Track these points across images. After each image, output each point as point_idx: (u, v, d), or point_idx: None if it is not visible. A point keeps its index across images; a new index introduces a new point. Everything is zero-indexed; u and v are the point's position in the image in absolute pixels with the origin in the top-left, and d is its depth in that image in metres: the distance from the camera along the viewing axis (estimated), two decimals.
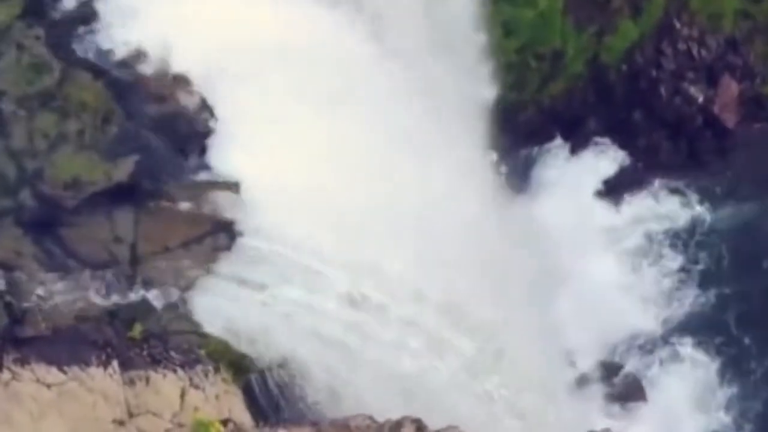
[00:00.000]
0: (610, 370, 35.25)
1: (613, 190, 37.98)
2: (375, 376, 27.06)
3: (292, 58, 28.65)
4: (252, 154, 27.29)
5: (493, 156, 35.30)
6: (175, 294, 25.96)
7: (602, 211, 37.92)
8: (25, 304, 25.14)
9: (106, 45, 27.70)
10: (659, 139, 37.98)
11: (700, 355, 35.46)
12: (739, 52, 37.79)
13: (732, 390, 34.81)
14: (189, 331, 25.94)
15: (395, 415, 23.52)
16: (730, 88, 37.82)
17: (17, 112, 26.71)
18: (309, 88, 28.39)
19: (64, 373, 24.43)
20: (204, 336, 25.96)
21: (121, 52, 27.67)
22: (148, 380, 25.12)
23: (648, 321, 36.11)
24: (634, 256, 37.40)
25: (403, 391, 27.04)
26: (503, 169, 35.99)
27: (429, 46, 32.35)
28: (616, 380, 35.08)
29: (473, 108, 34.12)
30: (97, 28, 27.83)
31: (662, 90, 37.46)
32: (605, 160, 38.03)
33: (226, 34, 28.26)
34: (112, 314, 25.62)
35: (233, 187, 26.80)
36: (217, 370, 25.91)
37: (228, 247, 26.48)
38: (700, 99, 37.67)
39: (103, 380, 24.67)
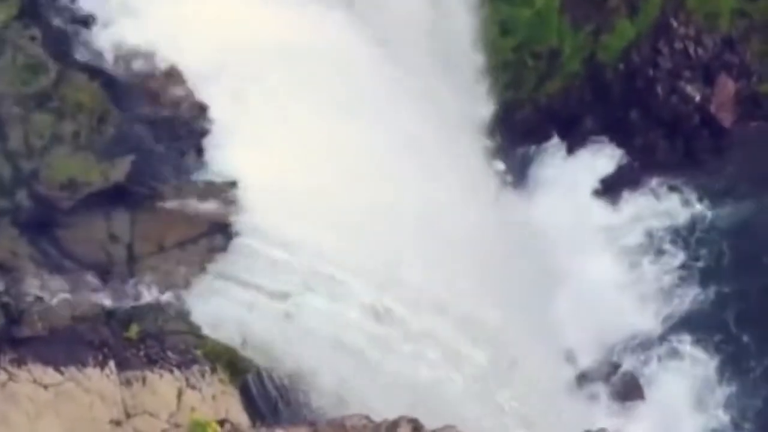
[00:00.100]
0: (608, 369, 35.26)
1: (611, 188, 38.06)
2: (380, 378, 27.16)
3: (290, 59, 28.65)
4: (249, 154, 27.28)
5: (492, 156, 35.33)
6: (171, 294, 25.94)
7: (600, 209, 37.98)
8: (22, 305, 25.08)
9: (102, 45, 27.66)
10: (656, 137, 38.04)
11: (699, 354, 35.53)
12: (735, 50, 37.86)
13: (730, 388, 34.88)
14: (185, 331, 25.92)
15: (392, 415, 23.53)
16: (727, 86, 37.87)
17: (13, 113, 26.70)
18: (308, 90, 28.41)
19: (61, 373, 24.38)
20: (200, 336, 25.93)
21: (117, 53, 27.63)
22: (144, 380, 25.08)
23: (646, 319, 36.17)
24: (632, 254, 37.47)
25: (415, 401, 26.99)
26: (501, 168, 35.99)
27: (430, 56, 32.53)
28: (615, 379, 35.11)
29: (473, 111, 34.23)
30: (94, 28, 27.79)
31: (659, 89, 37.52)
32: (602, 158, 38.10)
33: (225, 35, 28.25)
34: (109, 315, 25.59)
35: (230, 187, 26.79)
36: (213, 370, 25.87)
37: (224, 248, 26.48)
38: (697, 98, 37.74)
39: (99, 381, 24.63)
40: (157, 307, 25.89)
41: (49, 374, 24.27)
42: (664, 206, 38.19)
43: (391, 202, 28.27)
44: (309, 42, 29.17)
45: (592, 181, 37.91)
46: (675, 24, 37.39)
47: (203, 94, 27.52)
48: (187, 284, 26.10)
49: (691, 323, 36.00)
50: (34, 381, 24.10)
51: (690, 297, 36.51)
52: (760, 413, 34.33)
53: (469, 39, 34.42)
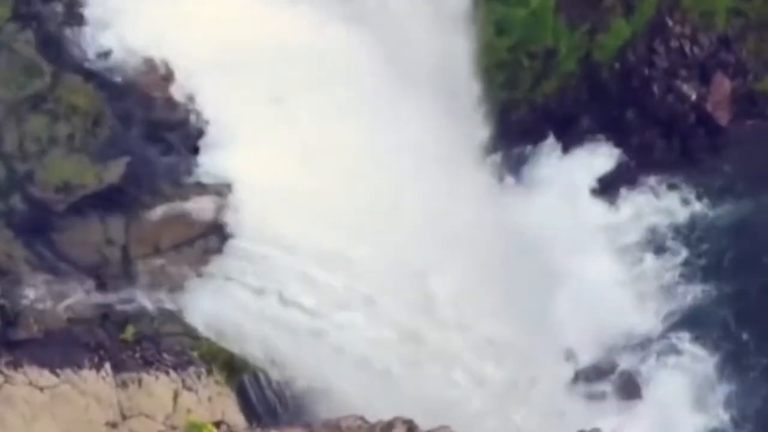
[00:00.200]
0: (606, 368, 35.21)
1: (608, 187, 38.00)
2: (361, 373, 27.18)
3: (286, 60, 28.65)
4: (244, 155, 27.28)
5: (489, 156, 35.34)
6: (167, 296, 25.94)
7: (598, 208, 37.92)
8: (18, 307, 25.10)
9: (96, 47, 27.66)
10: (652, 137, 38.00)
11: (698, 352, 35.41)
12: (731, 49, 37.80)
13: (730, 387, 34.73)
14: (181, 333, 25.94)
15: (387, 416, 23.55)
16: (723, 85, 37.83)
17: (8, 116, 26.69)
18: (305, 90, 28.41)
19: (57, 375, 24.40)
20: (196, 338, 25.94)
21: (111, 54, 27.63)
22: (140, 382, 25.09)
23: (645, 318, 36.07)
24: (630, 253, 37.39)
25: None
26: (498, 168, 35.99)
27: (430, 56, 32.58)
28: (612, 378, 35.05)
29: (470, 110, 34.22)
30: (88, 30, 27.78)
31: (655, 88, 37.47)
32: (599, 158, 38.03)
33: (220, 36, 28.24)
34: (104, 317, 25.60)
35: (225, 188, 26.80)
36: (209, 371, 25.89)
37: (219, 249, 26.48)
38: (693, 97, 37.68)
39: (95, 383, 24.64)
40: (152, 309, 25.87)
41: (44, 376, 24.28)
42: (662, 205, 38.12)
43: (388, 204, 28.27)
44: (306, 42, 29.18)
45: (589, 181, 37.85)
46: (670, 23, 37.35)
47: (198, 95, 27.52)
48: (182, 286, 26.09)
49: (691, 321, 35.90)
50: (30, 383, 24.12)
51: (689, 295, 36.42)
52: (759, 412, 34.18)
53: (466, 38, 34.44)
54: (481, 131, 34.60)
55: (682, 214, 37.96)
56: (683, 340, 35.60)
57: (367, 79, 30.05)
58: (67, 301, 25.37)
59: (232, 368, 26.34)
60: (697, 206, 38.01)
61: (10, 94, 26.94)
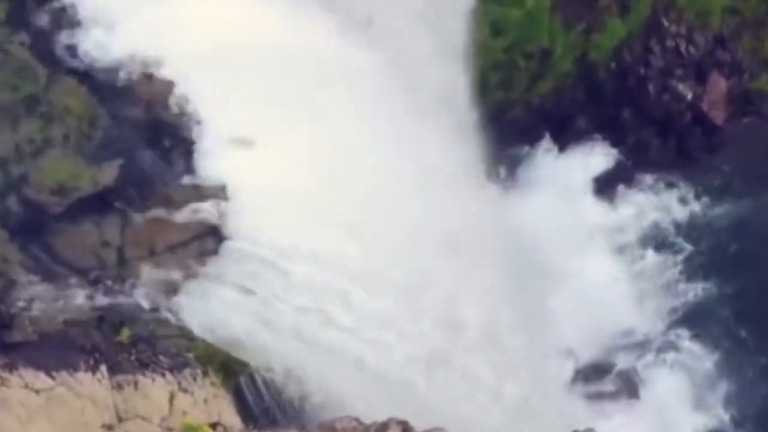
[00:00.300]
0: (603, 367, 35.22)
1: (605, 187, 38.07)
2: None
3: (283, 62, 28.66)
4: (239, 157, 27.28)
5: (485, 156, 35.33)
6: (162, 298, 25.92)
7: (595, 208, 37.98)
8: (13, 310, 25.05)
9: (91, 49, 27.67)
10: (648, 136, 38.05)
11: (697, 351, 35.47)
12: (727, 48, 37.84)
13: (729, 386, 34.77)
14: (177, 335, 25.86)
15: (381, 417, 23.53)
16: (719, 84, 37.87)
17: (2, 118, 26.68)
18: (300, 92, 28.40)
19: (53, 378, 24.31)
20: (192, 339, 25.89)
21: (105, 57, 27.64)
22: (136, 385, 25.01)
23: (644, 317, 36.13)
24: (629, 252, 37.44)
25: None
26: (494, 168, 35.98)
27: (425, 56, 32.58)
28: (610, 378, 35.05)
29: (467, 112, 34.23)
30: (82, 32, 27.79)
31: (651, 87, 37.53)
32: (596, 157, 38.08)
33: (213, 38, 28.26)
34: (100, 319, 25.51)
35: (220, 190, 26.78)
36: (205, 373, 25.79)
37: (215, 251, 26.46)
38: (689, 96, 37.74)
39: (91, 385, 24.57)
40: (148, 311, 25.84)
41: (40, 379, 24.20)
42: (659, 204, 38.18)
43: (384, 205, 28.24)
44: (300, 43, 29.18)
45: (586, 181, 37.91)
46: (666, 22, 37.39)
47: (194, 97, 27.51)
48: (178, 288, 26.07)
49: (690, 320, 35.95)
50: (26, 386, 24.03)
51: (688, 294, 36.47)
52: (759, 411, 34.21)
53: (462, 39, 34.45)
54: (478, 133, 34.58)
55: (680, 213, 38.01)
56: (682, 338, 35.66)
57: (365, 82, 30.06)
58: (63, 304, 25.33)
59: (229, 370, 26.25)
60: (695, 205, 38.06)
61: (4, 96, 26.91)
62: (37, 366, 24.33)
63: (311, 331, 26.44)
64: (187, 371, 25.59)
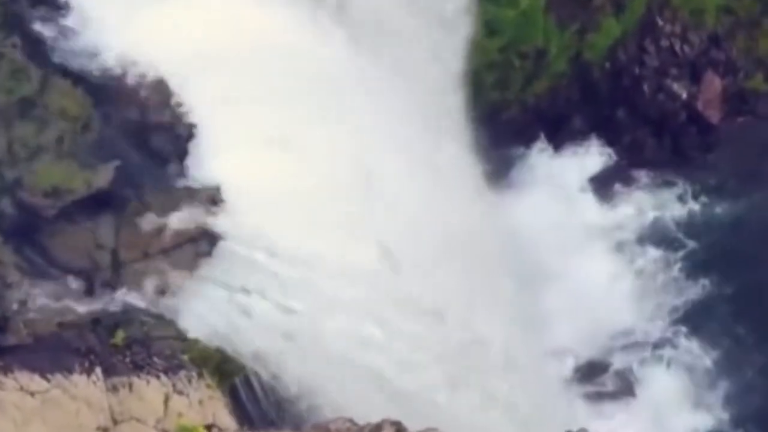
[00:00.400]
0: (600, 366, 35.26)
1: (601, 187, 38.13)
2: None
3: (275, 63, 28.64)
4: (233, 158, 27.28)
5: (480, 157, 35.34)
6: (157, 300, 25.93)
7: (591, 208, 38.03)
8: (7, 313, 25.03)
9: (84, 51, 27.66)
10: (644, 135, 38.11)
11: (693, 350, 35.59)
12: (721, 47, 37.88)
13: (725, 384, 34.81)
14: (171, 336, 25.87)
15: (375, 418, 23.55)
16: (714, 84, 37.90)
17: None
18: (292, 93, 28.40)
19: (47, 380, 24.35)
20: (186, 341, 25.91)
21: (99, 59, 27.63)
22: (131, 386, 25.04)
23: (641, 316, 36.20)
24: (625, 251, 37.47)
25: None
26: (489, 168, 35.96)
27: (415, 56, 32.60)
28: (605, 377, 35.10)
29: (461, 112, 34.24)
30: (76, 34, 27.76)
31: (646, 87, 37.59)
32: (591, 157, 38.13)
33: (208, 40, 28.25)
34: (95, 321, 25.52)
35: (214, 192, 26.77)
36: (200, 375, 25.81)
37: (209, 253, 26.45)
38: (684, 95, 37.79)
39: (86, 387, 24.60)
40: (142, 313, 25.85)
41: (35, 381, 24.24)
42: (656, 203, 38.23)
43: (378, 205, 28.24)
44: (293, 44, 29.18)
45: (581, 180, 37.98)
46: (661, 22, 37.44)
47: (186, 99, 27.50)
48: (172, 290, 26.06)
49: (687, 319, 36.08)
50: (21, 388, 24.07)
51: (685, 292, 36.56)
52: (756, 410, 34.25)
53: (455, 42, 34.50)
54: (473, 132, 34.59)
55: (676, 212, 38.08)
56: (680, 337, 35.75)
57: (356, 82, 30.05)
58: (57, 306, 25.32)
59: (224, 372, 26.27)
60: (692, 204, 38.11)
61: None
62: (32, 368, 24.37)
63: (305, 333, 26.47)
64: (182, 373, 25.61)
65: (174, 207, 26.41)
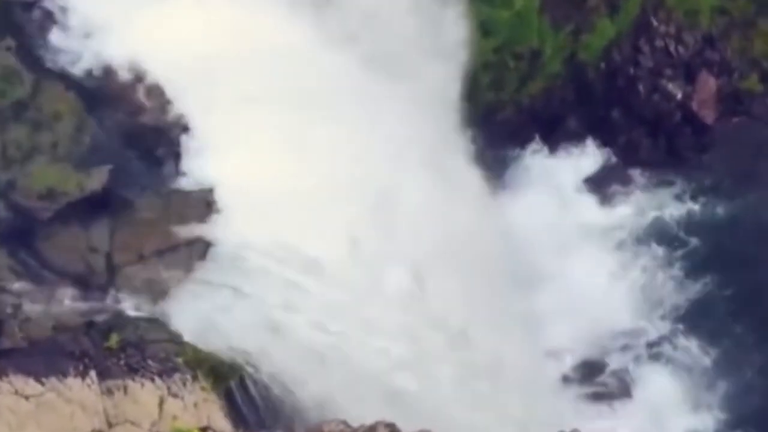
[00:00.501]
0: (596, 367, 35.22)
1: (596, 187, 38.05)
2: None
3: (268, 65, 28.65)
4: (227, 161, 27.29)
5: (476, 158, 35.31)
6: (151, 303, 25.92)
7: (586, 208, 37.93)
8: (2, 316, 25.04)
9: (78, 55, 27.68)
10: (639, 136, 38.04)
11: (692, 350, 35.43)
12: (716, 48, 37.80)
13: (721, 385, 34.75)
14: (166, 339, 25.87)
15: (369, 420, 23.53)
16: (708, 84, 37.85)
17: None
18: (286, 95, 28.41)
19: (42, 384, 24.36)
20: (181, 344, 25.89)
21: (93, 62, 27.65)
22: (126, 390, 25.04)
23: (638, 316, 36.09)
24: (621, 251, 37.40)
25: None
26: (486, 170, 35.95)
27: (410, 55, 32.55)
28: (601, 378, 35.04)
29: (457, 113, 34.23)
30: (69, 38, 27.78)
31: (640, 87, 37.53)
32: (586, 158, 38.07)
33: (199, 43, 28.27)
34: (89, 325, 25.53)
35: (208, 194, 26.78)
36: (195, 378, 25.79)
37: (203, 255, 26.45)
38: (679, 95, 37.73)
39: (81, 391, 24.60)
40: (137, 316, 25.86)
41: (30, 385, 24.25)
42: (650, 203, 38.16)
43: (373, 206, 28.24)
44: (283, 49, 29.17)
45: (577, 181, 37.89)
46: (655, 22, 37.38)
47: (180, 103, 27.52)
48: (167, 292, 26.07)
49: (685, 319, 35.91)
50: (15, 392, 24.09)
51: (682, 293, 36.46)
52: (754, 410, 34.14)
53: (452, 38, 34.47)
54: (468, 133, 34.58)
55: (673, 212, 37.98)
56: (677, 337, 35.63)
57: (352, 82, 30.06)
58: (52, 310, 25.33)
59: (218, 374, 26.24)
60: (688, 204, 38.05)
61: None
62: (27, 372, 24.39)
63: (300, 333, 26.47)
64: (176, 376, 25.60)
65: (168, 209, 26.42)
